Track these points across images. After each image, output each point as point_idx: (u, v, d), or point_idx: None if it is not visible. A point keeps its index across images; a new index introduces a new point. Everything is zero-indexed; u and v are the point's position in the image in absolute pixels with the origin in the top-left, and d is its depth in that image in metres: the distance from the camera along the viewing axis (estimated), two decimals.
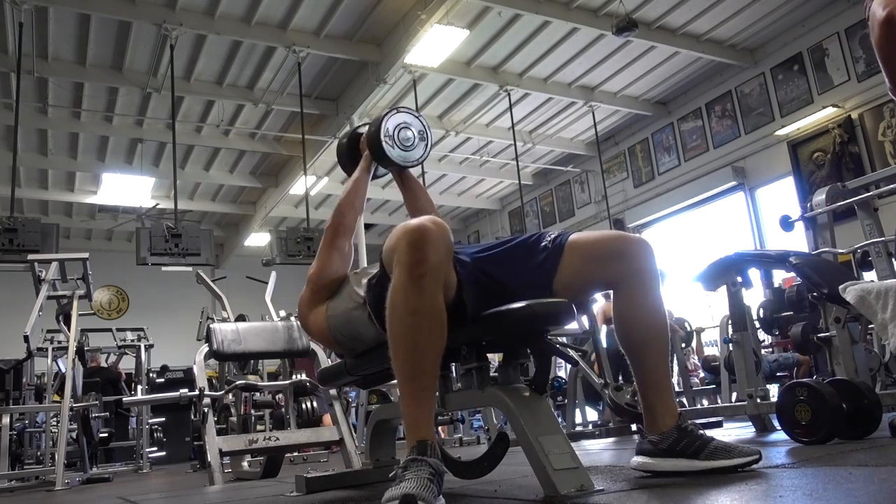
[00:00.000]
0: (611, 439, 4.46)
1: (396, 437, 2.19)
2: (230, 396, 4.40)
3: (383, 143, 1.96)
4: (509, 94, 8.65)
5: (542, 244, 1.59)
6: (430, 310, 1.29)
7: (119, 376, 7.63)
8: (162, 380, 8.97)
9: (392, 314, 1.31)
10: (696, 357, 7.18)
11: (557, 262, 1.55)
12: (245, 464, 4.28)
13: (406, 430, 1.30)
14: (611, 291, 1.60)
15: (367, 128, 2.05)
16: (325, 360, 3.67)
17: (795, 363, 5.35)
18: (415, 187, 2.10)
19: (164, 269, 7.29)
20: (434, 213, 1.99)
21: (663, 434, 1.49)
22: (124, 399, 6.27)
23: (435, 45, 7.20)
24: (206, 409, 3.28)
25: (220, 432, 3.80)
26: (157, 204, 10.46)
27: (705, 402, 5.70)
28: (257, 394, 4.95)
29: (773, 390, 4.03)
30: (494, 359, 2.30)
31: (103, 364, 7.87)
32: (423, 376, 1.31)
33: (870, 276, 3.63)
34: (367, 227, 10.85)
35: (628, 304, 1.55)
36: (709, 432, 1.52)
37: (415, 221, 1.33)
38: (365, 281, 1.63)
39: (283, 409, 5.22)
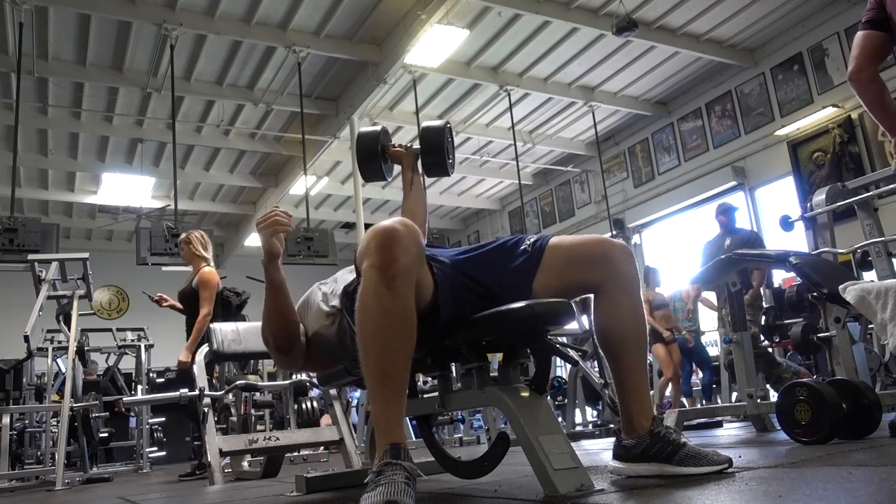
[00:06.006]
0: (610, 439, 4.46)
1: None
2: (230, 396, 4.40)
3: (447, 153, 1.97)
4: (509, 94, 8.65)
5: (522, 247, 1.60)
6: (402, 311, 1.29)
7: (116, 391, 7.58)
8: (162, 380, 8.97)
9: (363, 316, 1.30)
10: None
11: (538, 264, 1.57)
12: (245, 464, 4.28)
13: (377, 433, 1.29)
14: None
15: (426, 131, 2.00)
16: None
17: (795, 373, 5.31)
18: (423, 195, 2.13)
19: (164, 269, 7.29)
20: (424, 222, 2.04)
21: (638, 438, 1.50)
22: (124, 399, 6.27)
23: (435, 45, 7.20)
24: (206, 409, 3.29)
25: (219, 432, 3.80)
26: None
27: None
28: (257, 394, 4.95)
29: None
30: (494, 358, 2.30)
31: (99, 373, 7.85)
32: (395, 378, 1.30)
33: (870, 276, 3.62)
34: (368, 227, 10.83)
35: (607, 308, 1.56)
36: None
37: (384, 223, 1.33)
38: (341, 290, 1.66)
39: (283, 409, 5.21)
